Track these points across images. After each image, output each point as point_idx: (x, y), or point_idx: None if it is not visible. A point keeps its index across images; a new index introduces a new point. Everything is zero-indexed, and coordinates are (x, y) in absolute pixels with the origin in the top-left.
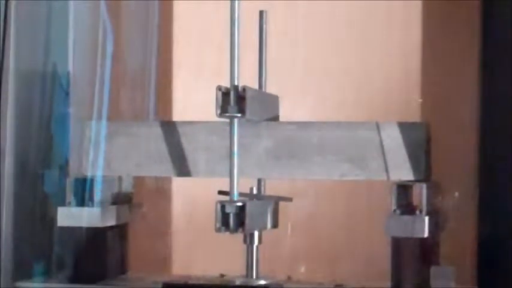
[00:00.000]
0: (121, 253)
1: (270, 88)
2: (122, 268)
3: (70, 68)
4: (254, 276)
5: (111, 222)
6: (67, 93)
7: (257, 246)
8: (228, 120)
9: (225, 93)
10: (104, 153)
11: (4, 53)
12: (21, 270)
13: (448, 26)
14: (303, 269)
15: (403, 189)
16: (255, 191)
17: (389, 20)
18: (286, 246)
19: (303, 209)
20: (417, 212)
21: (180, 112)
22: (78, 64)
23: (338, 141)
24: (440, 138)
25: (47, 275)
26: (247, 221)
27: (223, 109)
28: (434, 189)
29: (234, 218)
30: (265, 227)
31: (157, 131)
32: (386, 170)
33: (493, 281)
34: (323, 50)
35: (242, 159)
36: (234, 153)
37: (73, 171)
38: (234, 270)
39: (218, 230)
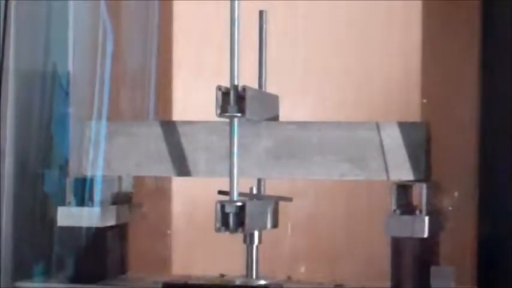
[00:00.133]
0: (121, 253)
1: (270, 88)
2: (122, 268)
3: (70, 68)
4: (254, 276)
5: (111, 222)
6: (67, 93)
7: (257, 246)
8: (228, 120)
9: (225, 93)
10: (104, 153)
11: (4, 53)
12: (21, 270)
13: (448, 26)
14: (303, 269)
15: (403, 189)
16: (254, 191)
17: (389, 20)
18: (286, 246)
19: (303, 209)
20: (417, 212)
21: (180, 112)
22: (78, 64)
23: (338, 141)
24: (440, 138)
25: (47, 275)
26: (247, 220)
27: (223, 109)
28: (434, 189)
29: (233, 218)
30: (265, 227)
31: (157, 130)
32: (386, 170)
33: (493, 281)
34: (323, 50)
35: (242, 159)
36: (233, 153)
37: (73, 171)
38: (234, 270)
39: (218, 229)
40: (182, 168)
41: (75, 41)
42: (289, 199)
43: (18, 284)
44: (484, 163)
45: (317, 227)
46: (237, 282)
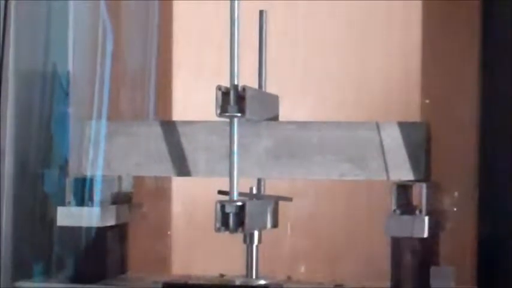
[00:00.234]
0: (121, 253)
1: (270, 88)
2: (122, 268)
3: (70, 67)
4: (254, 276)
5: (111, 222)
6: (67, 93)
7: (257, 246)
8: (228, 119)
9: (225, 93)
10: (104, 152)
11: (4, 52)
12: (21, 270)
13: (448, 26)
14: (302, 269)
15: (403, 189)
16: (254, 191)
17: (389, 20)
18: (286, 246)
19: (302, 209)
20: (417, 212)
21: (180, 112)
22: (78, 64)
23: (338, 141)
24: (440, 138)
25: (47, 274)
26: (247, 220)
27: (223, 109)
28: (434, 189)
29: (233, 218)
30: (265, 227)
31: (157, 130)
32: (386, 170)
33: (493, 281)
34: (323, 50)
35: (242, 159)
36: (233, 153)
37: (73, 171)
38: (234, 270)
39: (218, 229)
40: (182, 168)
41: (75, 40)
42: (289, 199)
43: (18, 284)
44: (484, 163)
45: (317, 227)
46: (237, 282)
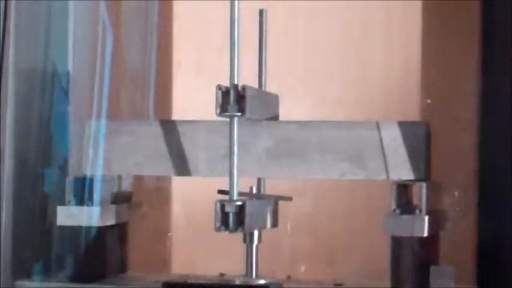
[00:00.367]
0: (120, 252)
1: (270, 87)
2: (122, 267)
3: (70, 67)
4: (254, 276)
5: (111, 221)
6: (67, 93)
7: (257, 246)
8: (227, 119)
9: (225, 92)
10: (104, 152)
11: (4, 52)
12: (21, 270)
13: (448, 26)
14: (302, 269)
15: (403, 189)
16: (254, 190)
17: (389, 20)
18: (286, 245)
19: (302, 208)
20: (417, 211)
21: (180, 111)
22: (78, 63)
23: (338, 141)
24: (440, 138)
25: (47, 274)
26: (246, 220)
27: (223, 108)
28: (434, 189)
29: (233, 217)
30: (264, 226)
31: (157, 130)
32: (386, 170)
33: (493, 281)
34: (323, 50)
35: (242, 159)
36: (233, 153)
37: (73, 170)
38: (234, 269)
39: (218, 229)
40: (182, 167)
41: (75, 40)
42: (289, 198)
43: (18, 283)
44: (484, 163)
45: (317, 226)
46: (237, 282)
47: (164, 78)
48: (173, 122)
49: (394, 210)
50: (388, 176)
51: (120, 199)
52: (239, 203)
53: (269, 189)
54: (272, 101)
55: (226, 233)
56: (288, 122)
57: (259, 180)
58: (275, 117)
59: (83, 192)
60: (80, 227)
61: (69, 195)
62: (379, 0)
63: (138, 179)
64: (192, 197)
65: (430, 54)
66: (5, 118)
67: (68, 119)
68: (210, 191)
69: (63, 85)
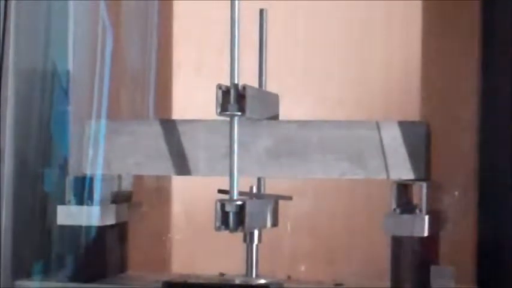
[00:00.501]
0: (120, 252)
1: (270, 87)
2: (122, 267)
3: (70, 67)
4: (254, 275)
5: (111, 221)
6: (67, 93)
7: (257, 245)
8: (228, 118)
9: (225, 92)
10: (104, 151)
11: (4, 52)
12: (21, 269)
13: (448, 26)
14: (302, 268)
15: (403, 188)
16: (254, 190)
17: (389, 20)
18: (286, 245)
19: (302, 208)
20: (417, 211)
21: (180, 111)
22: (78, 63)
23: (338, 140)
24: (441, 138)
25: (47, 273)
26: (247, 219)
27: (223, 107)
28: (434, 189)
29: (233, 217)
30: (265, 226)
31: (157, 129)
32: (386, 169)
33: (493, 281)
34: (323, 50)
35: (242, 158)
36: (234, 152)
37: (73, 169)
38: (234, 269)
39: (218, 228)
40: (182, 167)
41: (75, 40)
42: (289, 198)
43: (18, 282)
44: (484, 163)
45: (317, 226)
46: (237, 281)
47: (164, 78)
48: (173, 122)
49: (394, 210)
50: (388, 176)
51: (120, 199)
52: (239, 202)
53: (269, 188)
54: (272, 100)
55: (227, 232)
56: (288, 122)
57: (259, 179)
58: (275, 117)
59: (83, 192)
60: (80, 227)
61: (69, 195)
62: (379, 0)
63: (138, 179)
64: (192, 197)
65: (430, 54)
66: (5, 118)
67: (68, 119)
68: (210, 191)
69: (63, 85)
